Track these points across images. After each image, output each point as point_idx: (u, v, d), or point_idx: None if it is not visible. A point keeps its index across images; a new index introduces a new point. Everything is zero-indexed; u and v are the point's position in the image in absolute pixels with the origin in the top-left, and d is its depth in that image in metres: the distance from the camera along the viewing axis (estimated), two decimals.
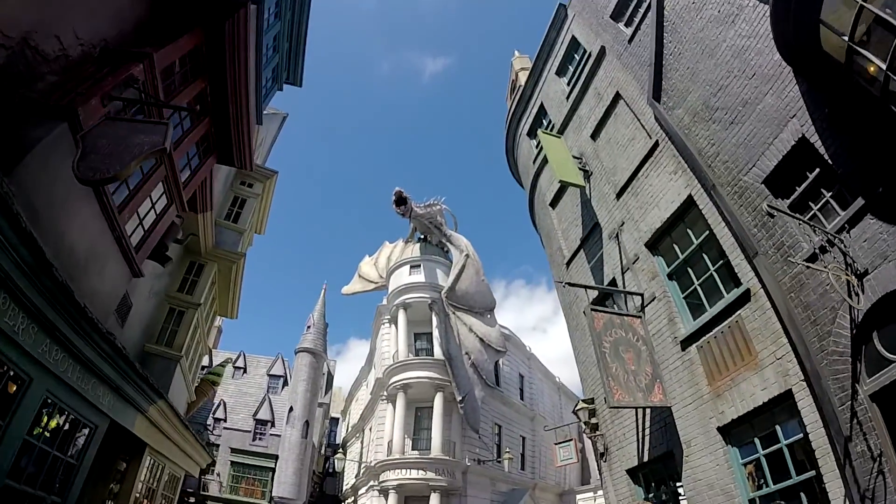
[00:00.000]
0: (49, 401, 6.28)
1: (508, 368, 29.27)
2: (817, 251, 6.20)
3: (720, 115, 8.17)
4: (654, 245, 9.63)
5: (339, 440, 38.91)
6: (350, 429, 34.11)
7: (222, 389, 30.47)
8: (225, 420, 29.19)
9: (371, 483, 24.15)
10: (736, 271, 7.59)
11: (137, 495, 10.21)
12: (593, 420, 10.70)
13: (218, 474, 27.57)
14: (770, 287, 6.87)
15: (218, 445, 28.42)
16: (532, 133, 16.27)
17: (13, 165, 5.47)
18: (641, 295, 9.71)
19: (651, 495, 9.14)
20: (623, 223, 10.58)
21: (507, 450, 24.19)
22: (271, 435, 29.15)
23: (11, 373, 5.48)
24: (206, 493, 26.57)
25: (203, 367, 17.22)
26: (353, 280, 31.61)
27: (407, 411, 24.22)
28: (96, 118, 6.27)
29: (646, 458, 9.19)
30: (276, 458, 27.55)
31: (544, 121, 15.66)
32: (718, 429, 7.63)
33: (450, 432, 23.60)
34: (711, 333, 7.90)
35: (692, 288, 8.64)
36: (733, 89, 7.94)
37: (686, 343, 8.36)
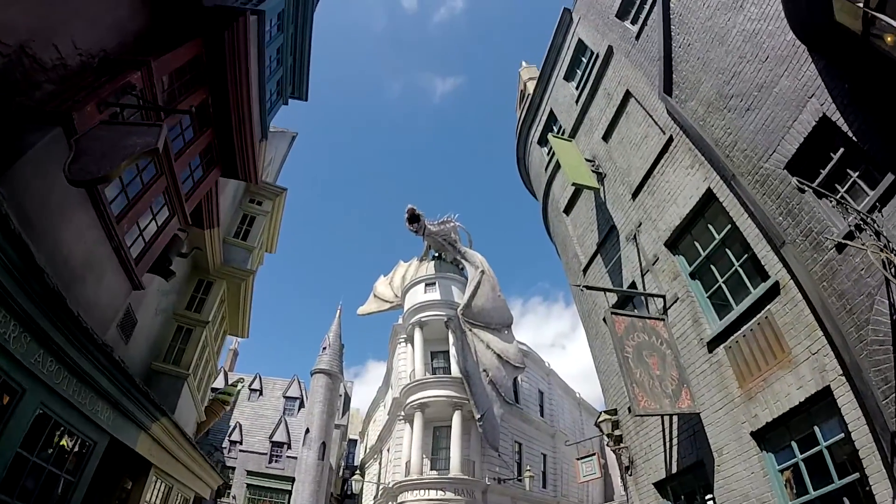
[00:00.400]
0: (43, 414, 6.05)
1: (528, 385, 28.67)
2: (853, 230, 5.75)
3: (735, 102, 7.81)
4: (673, 244, 9.19)
5: (356, 462, 38.36)
6: (368, 450, 33.58)
7: (238, 412, 30.27)
8: (241, 442, 28.90)
9: None
10: (763, 264, 7.12)
11: None
12: (617, 432, 10.20)
13: (234, 497, 27.19)
14: (800, 277, 6.41)
15: (234, 468, 28.10)
16: (543, 141, 16.02)
17: (4, 169, 5.33)
18: (663, 297, 9.23)
19: None
20: (640, 223, 10.17)
21: (528, 468, 23.52)
22: (288, 457, 28.78)
23: (2, 382, 5.28)
24: None
25: (214, 390, 16.98)
26: (369, 300, 31.43)
27: (425, 431, 23.75)
28: (92, 124, 6.16)
29: (674, 470, 8.65)
30: (292, 480, 27.17)
31: (554, 127, 15.41)
32: (752, 434, 7.10)
33: (469, 451, 23.05)
34: (740, 332, 7.41)
35: (716, 286, 8.16)
36: (747, 75, 7.59)
37: (713, 344, 7.86)
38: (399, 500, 22.31)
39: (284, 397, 31.81)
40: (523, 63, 20.64)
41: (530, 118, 16.81)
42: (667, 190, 9.35)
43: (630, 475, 9.90)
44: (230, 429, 29.29)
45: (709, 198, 8.24)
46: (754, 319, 7.18)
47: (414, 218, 25.70)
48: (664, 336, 8.54)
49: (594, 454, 13.95)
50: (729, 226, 7.80)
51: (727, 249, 7.95)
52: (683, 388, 7.92)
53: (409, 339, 27.16)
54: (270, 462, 28.67)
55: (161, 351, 11.23)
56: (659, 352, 8.20)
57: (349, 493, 33.38)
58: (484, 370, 23.72)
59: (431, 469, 23.16)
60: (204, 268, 12.45)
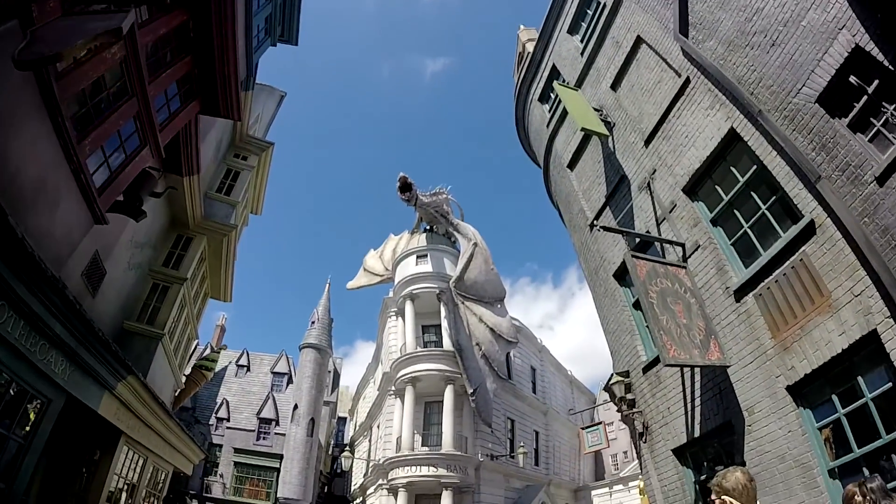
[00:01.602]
0: None
1: (520, 361, 27.97)
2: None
3: (758, 39, 7.13)
4: (692, 190, 8.48)
5: (346, 440, 37.58)
6: (358, 428, 32.79)
7: (225, 388, 29.27)
8: (228, 419, 27.89)
9: (380, 482, 22.87)
10: (795, 202, 6.41)
11: (113, 490, 8.95)
12: (629, 395, 9.40)
13: (221, 475, 26.30)
14: (840, 213, 5.72)
15: (221, 446, 27.14)
16: (544, 97, 15.11)
17: None
18: (682, 245, 8.41)
19: (703, 477, 7.82)
20: (654, 171, 9.41)
21: (522, 444, 22.84)
22: (276, 434, 27.84)
23: None
24: (208, 496, 25.31)
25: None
26: (359, 274, 30.48)
27: (416, 406, 22.99)
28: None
29: (697, 434, 7.82)
30: (280, 457, 26.30)
31: (556, 82, 14.47)
32: (788, 388, 6.31)
33: (461, 427, 22.35)
34: (771, 278, 6.65)
35: (741, 232, 7.47)
36: (770, 10, 6.94)
37: (741, 293, 7.10)
38: (390, 477, 21.59)
39: (272, 373, 30.75)
40: (521, 26, 19.63)
41: (530, 76, 15.83)
42: (684, 133, 8.65)
43: (644, 442, 9.10)
44: (217, 405, 28.26)
45: (731, 138, 7.58)
46: (787, 263, 6.45)
47: (406, 187, 24.65)
48: (687, 284, 7.71)
49: (600, 423, 13.21)
50: (755, 166, 7.14)
51: (752, 192, 7.27)
52: (711, 339, 7.13)
53: (400, 313, 26.29)
54: (258, 439, 27.73)
55: (134, 310, 10.22)
56: (684, 300, 7.38)
57: (339, 470, 32.67)
58: (477, 344, 22.99)
59: (423, 445, 22.43)
60: (183, 222, 11.40)
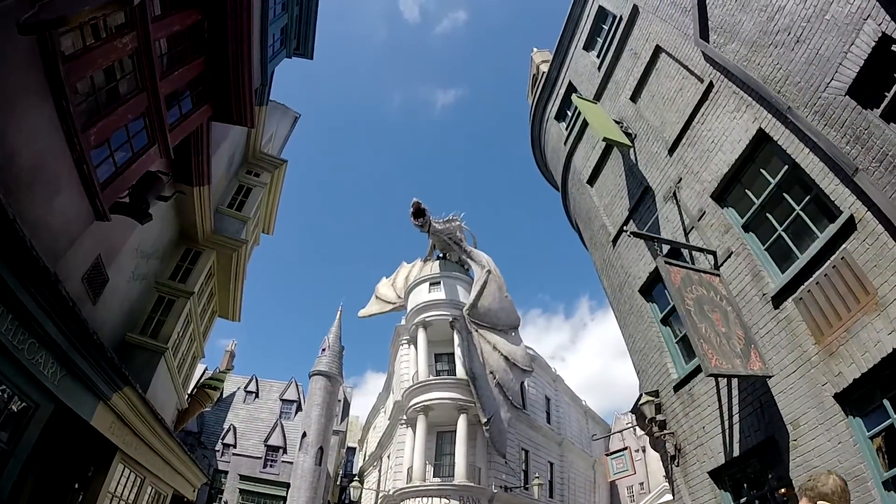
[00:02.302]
0: None
1: (534, 390, 27.02)
2: None
3: (781, 37, 6.93)
4: (721, 196, 8.06)
5: (355, 471, 36.40)
6: (367, 458, 31.72)
7: (232, 414, 28.52)
8: (234, 446, 27.03)
9: None
10: (832, 198, 6.03)
11: None
12: (659, 416, 8.68)
13: (226, 502, 25.32)
14: (881, 205, 5.37)
15: (226, 472, 26.24)
16: (560, 115, 14.85)
17: None
18: (714, 253, 7.91)
19: (743, 501, 7.08)
20: (680, 179, 9.00)
21: (537, 475, 21.78)
22: (283, 462, 26.88)
23: None
24: None
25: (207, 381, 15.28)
26: (370, 302, 29.96)
27: (428, 436, 22.15)
28: None
29: (735, 453, 7.14)
30: (287, 486, 25.28)
31: (575, 95, 14.19)
32: (835, 396, 5.76)
33: (474, 457, 21.42)
34: (812, 280, 6.17)
35: (775, 236, 7.03)
36: (791, 7, 6.77)
37: (779, 298, 6.59)
38: None
39: (281, 400, 29.94)
40: (534, 49, 19.55)
41: (546, 95, 15.62)
42: (709, 139, 8.34)
43: (676, 465, 8.36)
44: (224, 431, 27.47)
45: (760, 139, 7.28)
46: (828, 263, 6.03)
47: (419, 212, 24.29)
48: (722, 292, 7.19)
49: (626, 448, 12.34)
50: (786, 166, 6.82)
51: (785, 193, 6.93)
52: (752, 348, 6.55)
53: (413, 341, 25.64)
54: (265, 467, 26.79)
55: (137, 322, 9.77)
56: (720, 308, 6.86)
57: (346, 501, 31.48)
58: (491, 372, 22.20)
59: (434, 476, 21.51)
60: (191, 235, 11.03)
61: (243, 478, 26.23)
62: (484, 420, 20.79)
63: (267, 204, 14.55)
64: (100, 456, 8.17)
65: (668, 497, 33.45)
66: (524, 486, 22.61)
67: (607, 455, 13.25)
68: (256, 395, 30.18)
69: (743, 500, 7.15)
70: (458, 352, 23.51)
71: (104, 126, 6.20)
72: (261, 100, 12.02)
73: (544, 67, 16.99)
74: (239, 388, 30.27)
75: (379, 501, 24.26)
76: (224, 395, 29.81)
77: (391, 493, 21.78)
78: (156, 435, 9.35)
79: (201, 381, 13.94)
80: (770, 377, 6.50)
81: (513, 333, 24.36)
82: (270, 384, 31.13)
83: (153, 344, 9.56)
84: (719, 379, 7.50)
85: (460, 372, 22.78)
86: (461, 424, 21.40)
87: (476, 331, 22.91)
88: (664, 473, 8.83)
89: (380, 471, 27.20)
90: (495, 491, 20.74)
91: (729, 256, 7.64)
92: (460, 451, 20.77)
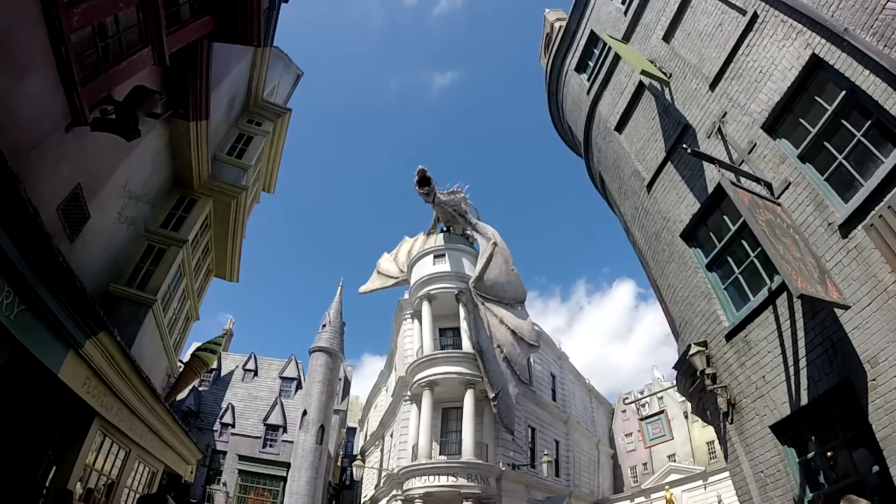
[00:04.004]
0: None
1: (540, 367, 25.98)
2: None
3: None
4: (772, 127, 7.32)
5: (356, 451, 35.31)
6: (368, 437, 30.63)
7: (231, 393, 27.30)
8: (233, 425, 25.74)
9: (394, 492, 20.80)
10: None
11: (81, 483, 7.13)
12: (709, 370, 7.60)
13: (224, 483, 24.13)
14: None
15: (225, 452, 25.01)
16: (581, 67, 13.72)
17: None
18: (769, 185, 7.06)
19: (811, 455, 6.10)
20: (725, 113, 8.20)
21: (546, 452, 20.77)
22: (283, 441, 25.65)
23: None
24: None
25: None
26: (372, 277, 28.78)
27: (433, 412, 21.02)
28: None
29: (804, 401, 6.18)
30: (287, 466, 24.12)
31: (595, 50, 13.11)
32: None
33: (481, 434, 20.36)
34: (883, 204, 5.47)
35: (835, 164, 6.33)
36: None
37: (847, 226, 5.88)
38: (405, 488, 19.54)
39: (281, 378, 28.63)
40: (546, 9, 18.31)
41: (564, 48, 14.46)
42: (756, 69, 7.72)
43: (730, 423, 7.32)
44: (222, 410, 26.20)
45: (813, 66, 6.69)
46: None
47: (424, 180, 23.08)
48: (787, 220, 6.39)
49: (662, 411, 11.21)
50: (843, 92, 6.24)
51: (843, 121, 6.31)
52: (826, 277, 5.76)
53: (417, 315, 24.50)
54: (264, 446, 25.54)
55: (123, 273, 8.52)
56: (789, 235, 6.08)
57: (347, 482, 30.48)
58: (498, 346, 21.19)
59: (441, 453, 20.42)
60: (186, 180, 9.77)
61: (242, 458, 25.01)
62: (492, 395, 19.78)
63: (268, 157, 13.25)
64: (75, 421, 6.94)
65: (674, 476, 32.81)
66: (531, 464, 21.60)
67: (642, 420, 12.13)
68: (255, 374, 28.90)
69: (810, 454, 6.29)
70: (463, 325, 22.43)
71: (91, 7, 4.96)
72: (266, 37, 10.76)
73: (558, 25, 15.91)
74: (237, 367, 28.96)
75: (382, 481, 23.22)
76: (222, 374, 28.51)
77: (395, 471, 20.73)
78: (142, 400, 8.11)
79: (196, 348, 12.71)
80: (834, 322, 5.80)
81: (519, 307, 23.36)
82: (269, 362, 29.86)
83: (140, 295, 8.32)
84: (781, 321, 6.70)
85: (466, 346, 21.71)
86: (468, 400, 20.33)
87: (482, 304, 21.88)
88: (719, 433, 7.74)
89: (382, 450, 26.14)
90: (503, 469, 19.73)
91: (787, 187, 6.90)
92: (467, 428, 19.71)
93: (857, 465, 5.81)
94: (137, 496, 8.69)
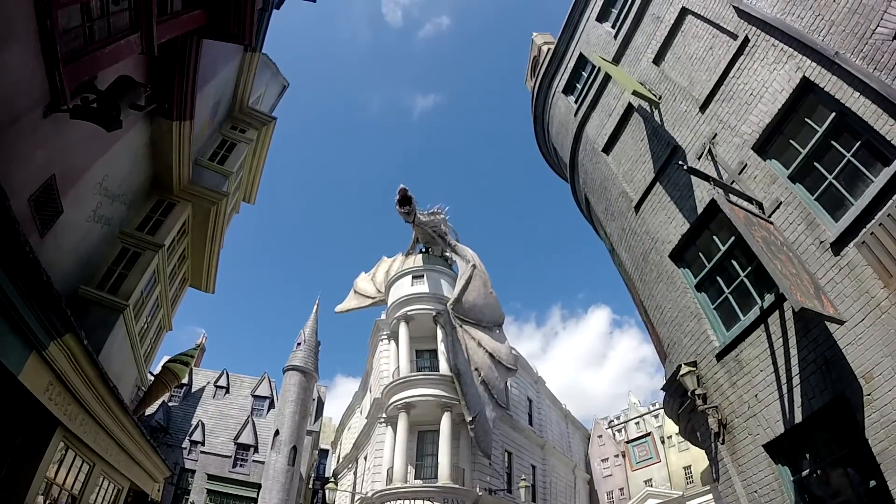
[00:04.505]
0: None
1: (517, 391, 25.61)
2: None
3: None
4: (763, 148, 7.42)
5: (328, 473, 34.12)
6: (342, 460, 29.65)
7: (201, 410, 26.19)
8: (203, 443, 24.61)
9: None
10: (888, 139, 5.60)
11: (42, 497, 6.56)
12: (700, 390, 7.41)
13: (192, 503, 22.99)
14: None
15: (194, 471, 23.83)
16: (569, 89, 13.79)
17: None
18: (760, 204, 7.10)
19: (805, 473, 5.98)
20: (715, 135, 8.29)
21: (523, 477, 20.29)
22: (254, 461, 24.59)
23: None
24: None
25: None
26: (349, 297, 28.26)
27: (409, 435, 20.51)
28: None
29: (797, 419, 6.11)
30: (258, 487, 23.05)
31: (583, 72, 13.20)
32: None
33: (458, 458, 19.82)
34: (874, 222, 5.59)
35: (825, 184, 6.43)
36: None
37: (839, 244, 5.95)
38: None
39: (253, 396, 27.58)
40: (534, 33, 18.53)
41: (552, 70, 14.56)
42: (747, 92, 7.83)
43: (722, 443, 7.14)
44: (192, 427, 25.07)
45: (804, 89, 6.83)
46: (890, 202, 5.47)
47: (405, 200, 22.90)
48: (780, 238, 6.47)
49: (649, 434, 10.94)
50: (833, 113, 6.40)
51: (833, 142, 6.44)
52: (821, 293, 5.75)
53: (394, 336, 24.03)
54: (234, 466, 24.42)
55: (95, 275, 8.02)
56: (784, 252, 6.11)
57: None
58: (476, 369, 20.82)
59: (416, 477, 19.84)
60: (166, 183, 9.36)
61: (211, 477, 23.84)
62: (469, 418, 19.36)
63: (251, 166, 12.88)
64: (36, 430, 6.38)
65: (652, 501, 32.46)
66: (508, 489, 21.08)
67: (628, 442, 11.86)
68: (227, 391, 27.81)
69: (805, 472, 6.16)
70: (441, 347, 22.09)
71: None
72: (257, 39, 10.54)
73: (545, 49, 16.08)
74: (209, 383, 27.83)
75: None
76: (193, 390, 27.34)
77: (369, 495, 20.00)
78: (108, 411, 7.55)
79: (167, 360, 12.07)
80: (843, 322, 5.63)
81: (497, 331, 23.12)
82: (242, 379, 28.79)
83: (111, 300, 7.81)
84: (773, 339, 6.61)
85: (443, 368, 21.33)
86: (445, 423, 19.86)
87: (461, 326, 21.57)
88: (710, 454, 7.52)
89: (355, 473, 25.27)
90: (480, 493, 19.18)
91: (778, 206, 7.00)
92: (444, 451, 19.21)
93: (853, 482, 5.72)
94: None
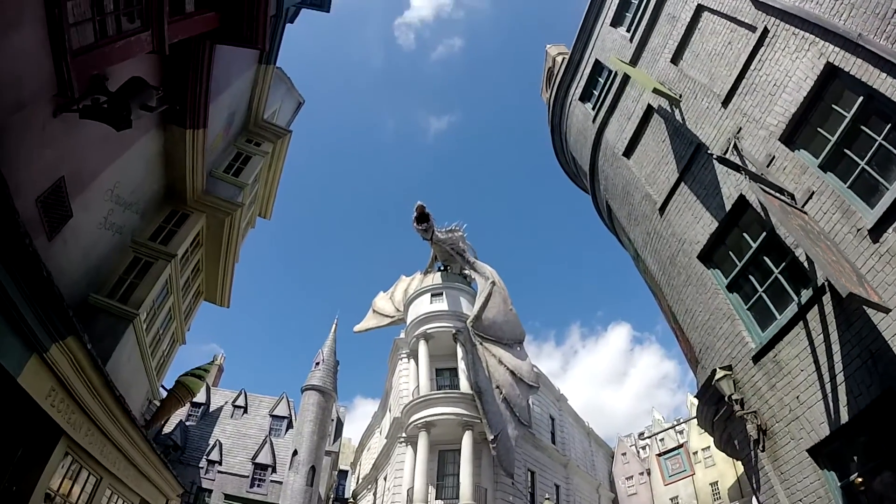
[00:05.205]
0: None
1: (539, 409, 24.87)
2: None
3: None
4: (790, 138, 7.15)
5: (347, 494, 33.43)
6: (361, 480, 29.00)
7: (219, 429, 25.91)
8: (220, 462, 24.27)
9: None
10: None
11: None
12: (737, 395, 6.90)
13: None
14: None
15: (210, 491, 23.45)
16: (586, 96, 13.52)
17: None
18: (792, 195, 6.73)
19: (854, 477, 5.49)
20: (740, 129, 8.00)
21: (547, 497, 19.52)
22: (272, 481, 24.11)
23: None
24: None
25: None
26: (367, 316, 27.95)
27: (430, 454, 19.84)
28: None
29: (843, 420, 5.63)
30: None
31: (600, 78, 12.97)
32: None
33: (480, 477, 19.10)
34: None
35: (858, 170, 6.11)
36: None
37: (878, 231, 5.58)
38: None
39: (271, 416, 27.26)
40: (548, 45, 18.43)
41: (568, 78, 14.37)
42: (770, 83, 7.58)
43: (762, 450, 6.62)
44: (209, 447, 24.80)
45: (829, 74, 6.61)
46: None
47: (423, 217, 22.65)
48: (816, 227, 6.10)
49: (681, 446, 10.33)
50: (860, 98, 6.14)
51: (863, 127, 6.17)
52: (864, 282, 5.33)
53: (413, 355, 23.57)
54: (252, 486, 23.97)
55: (105, 284, 7.85)
56: (822, 240, 5.74)
57: None
58: (497, 387, 20.19)
59: (437, 497, 19.17)
60: (179, 193, 9.25)
61: (228, 497, 23.44)
62: (491, 437, 18.70)
63: (266, 180, 12.79)
64: (39, 439, 6.13)
65: None
66: None
67: (659, 455, 11.19)
68: (245, 411, 27.54)
69: (853, 476, 5.67)
70: (461, 365, 21.54)
71: None
72: (270, 45, 10.52)
73: (560, 60, 15.94)
74: (227, 403, 27.64)
75: None
76: (211, 409, 27.17)
77: None
78: (115, 422, 7.28)
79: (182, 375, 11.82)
80: (889, 311, 5.20)
81: (518, 348, 22.50)
82: (260, 399, 28.52)
83: (121, 308, 7.61)
84: (814, 336, 6.21)
85: (464, 387, 20.76)
86: (466, 442, 19.21)
87: (481, 343, 21.04)
88: (749, 463, 6.98)
89: (375, 493, 24.63)
90: None
91: (810, 197, 6.69)
92: (465, 471, 18.52)
93: None
94: None
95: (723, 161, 6.70)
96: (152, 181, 8.65)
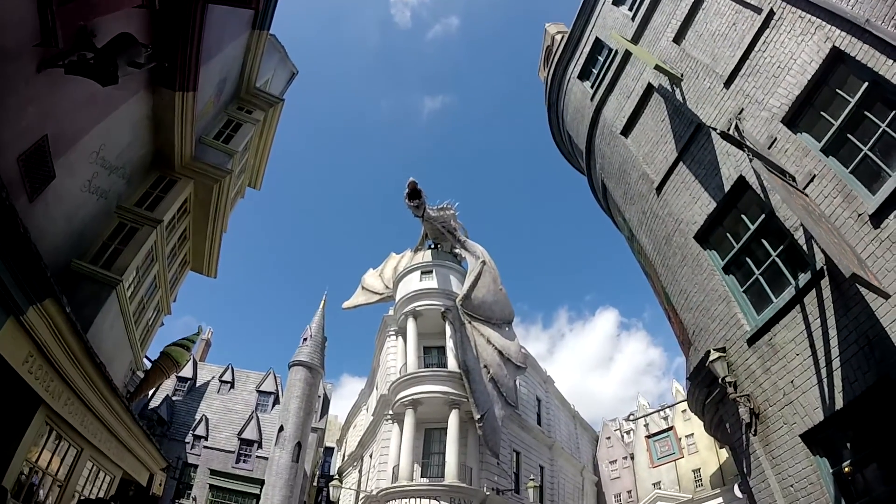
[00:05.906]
0: None
1: (525, 390, 25.03)
2: None
3: None
4: (793, 121, 7.06)
5: (333, 471, 33.63)
6: (347, 458, 29.15)
7: (205, 404, 25.81)
8: (206, 438, 24.23)
9: None
10: None
11: (24, 477, 6.12)
12: (730, 377, 6.88)
13: (194, 498, 22.53)
14: None
15: (196, 466, 23.42)
16: (585, 74, 13.29)
17: None
18: (793, 177, 6.60)
19: (847, 465, 5.48)
20: (742, 110, 7.87)
21: (532, 477, 19.71)
22: (258, 457, 24.15)
23: None
24: None
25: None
26: (356, 293, 27.83)
27: (416, 432, 19.91)
28: None
29: (838, 405, 5.59)
30: (261, 483, 22.62)
31: (599, 56, 12.74)
32: None
33: (465, 456, 19.23)
34: None
35: (860, 156, 6.06)
36: None
37: (879, 216, 5.53)
38: None
39: (258, 391, 27.18)
40: (547, 23, 18.11)
41: (567, 56, 14.11)
42: (774, 65, 7.50)
43: (754, 434, 6.61)
44: (195, 422, 24.70)
45: (835, 58, 6.55)
46: None
47: (415, 193, 22.40)
48: (817, 210, 6.07)
49: (671, 428, 10.38)
50: (865, 84, 6.09)
51: (867, 112, 6.11)
52: (864, 266, 5.27)
53: (401, 332, 23.52)
54: (238, 461, 24.00)
55: (89, 250, 7.63)
56: (823, 222, 5.65)
57: (324, 502, 28.88)
58: (485, 366, 20.23)
59: (422, 475, 19.25)
60: (168, 159, 8.98)
61: (214, 472, 23.43)
62: (477, 416, 18.76)
63: (256, 148, 12.49)
64: (17, 408, 5.95)
65: None
66: (516, 489, 20.51)
67: (648, 437, 11.25)
68: (232, 386, 27.43)
69: (846, 463, 5.65)
70: (449, 344, 21.53)
71: None
72: (263, 19, 10.16)
73: (559, 38, 15.66)
74: (213, 378, 27.50)
75: (360, 502, 21.90)
76: (198, 384, 27.02)
77: (374, 493, 19.46)
78: (95, 391, 7.10)
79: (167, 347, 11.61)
80: (889, 296, 5.11)
81: (507, 328, 22.54)
82: (247, 374, 28.41)
83: (104, 274, 7.40)
84: (811, 320, 6.14)
85: (451, 365, 20.77)
86: (452, 421, 19.28)
87: (469, 322, 21.02)
88: (739, 447, 6.99)
89: (360, 470, 24.77)
90: (487, 493, 18.59)
91: (811, 180, 6.50)
92: (451, 450, 18.62)
93: None
94: (81, 499, 7.59)
95: (726, 137, 6.61)
96: (139, 145, 8.37)
